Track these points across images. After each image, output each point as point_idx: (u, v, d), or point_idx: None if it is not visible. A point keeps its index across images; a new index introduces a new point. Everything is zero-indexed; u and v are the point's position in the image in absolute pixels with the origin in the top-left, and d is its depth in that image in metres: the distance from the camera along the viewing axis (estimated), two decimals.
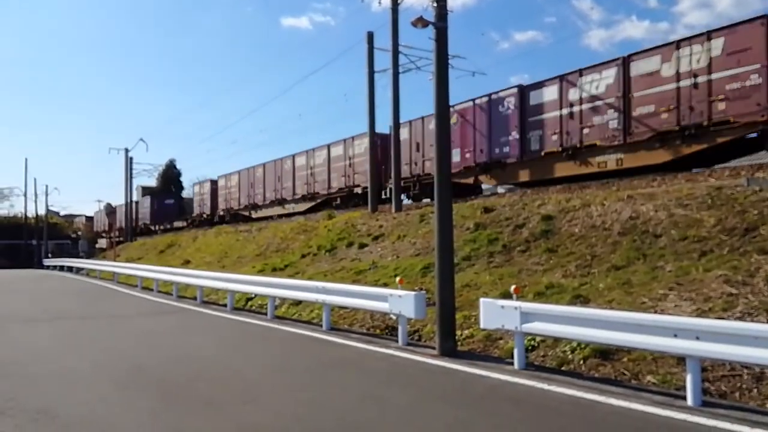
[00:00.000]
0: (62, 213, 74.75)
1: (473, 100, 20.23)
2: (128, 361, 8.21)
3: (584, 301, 8.75)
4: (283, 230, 23.87)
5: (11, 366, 7.88)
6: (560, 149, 17.25)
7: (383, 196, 22.74)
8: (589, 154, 16.72)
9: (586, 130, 16.67)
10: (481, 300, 8.30)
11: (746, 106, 13.24)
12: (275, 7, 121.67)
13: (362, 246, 17.13)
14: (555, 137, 17.37)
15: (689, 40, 14.48)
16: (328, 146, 28.31)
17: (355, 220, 19.96)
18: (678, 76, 14.56)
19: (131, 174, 46.99)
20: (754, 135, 13.80)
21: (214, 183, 40.73)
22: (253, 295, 15.09)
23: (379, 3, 18.87)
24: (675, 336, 6.00)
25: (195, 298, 16.96)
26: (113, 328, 12.07)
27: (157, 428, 5.16)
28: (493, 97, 19.36)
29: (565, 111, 17.17)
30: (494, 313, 7.87)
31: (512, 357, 7.71)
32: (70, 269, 37.44)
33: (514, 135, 18.59)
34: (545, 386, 6.53)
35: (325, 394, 6.36)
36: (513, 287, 7.99)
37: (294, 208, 30.66)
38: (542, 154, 17.81)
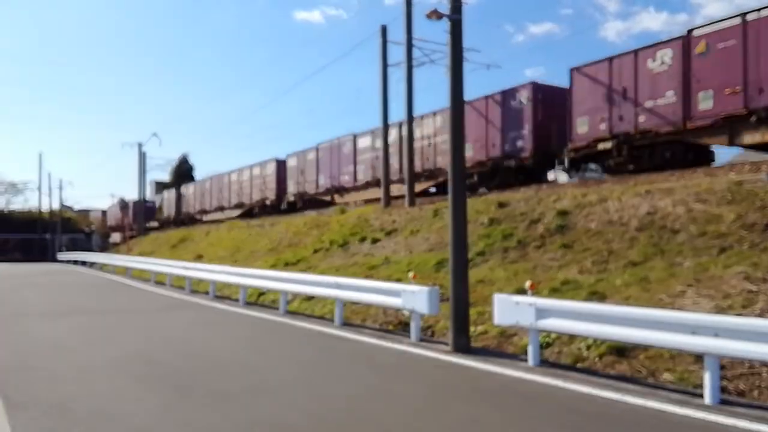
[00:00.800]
0: (76, 207, 75.54)
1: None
2: (142, 354, 8.26)
3: (600, 297, 8.65)
4: (296, 225, 23.90)
5: (27, 359, 7.96)
6: None
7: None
8: None
9: None
10: (496, 296, 8.23)
11: None
12: (287, 0, 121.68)
13: (375, 241, 17.10)
14: None
15: None
16: (251, 167, 37.38)
17: (367, 214, 19.93)
18: None
19: (145, 168, 47.37)
20: None
21: (178, 190, 49.57)
22: (265, 290, 15.12)
23: None
24: (693, 333, 5.92)
25: (208, 293, 17.03)
26: (127, 323, 12.15)
27: (170, 421, 5.17)
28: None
29: None
30: (509, 309, 7.80)
31: (526, 354, 7.64)
32: (83, 263, 37.80)
33: None
34: (560, 383, 6.46)
35: (337, 388, 6.34)
36: (528, 283, 7.91)
37: (228, 213, 39.29)
38: None
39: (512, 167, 19.24)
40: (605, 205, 12.23)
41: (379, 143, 23.96)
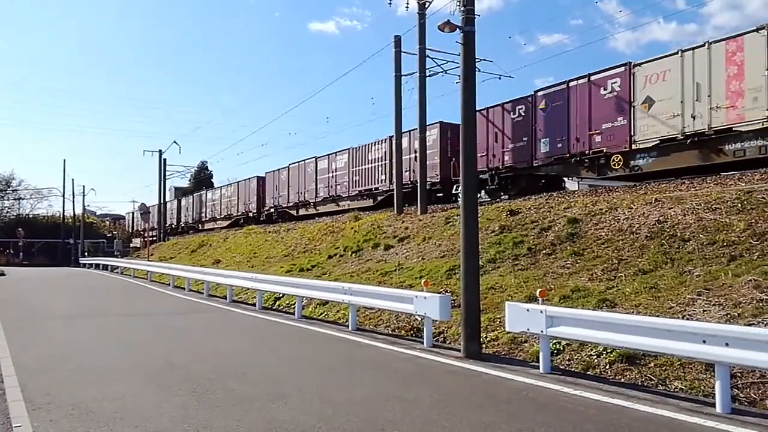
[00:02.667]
0: (98, 213, 76.57)
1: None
2: (161, 357, 8.43)
3: (610, 305, 8.68)
4: (311, 231, 24.10)
5: (48, 362, 8.14)
6: None
7: None
8: None
9: None
10: (507, 303, 8.32)
11: None
12: (302, 11, 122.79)
13: (388, 247, 17.21)
14: None
15: None
16: (237, 183, 41.32)
17: (381, 221, 20.05)
18: None
19: (165, 175, 47.94)
20: None
21: (179, 202, 53.07)
22: (281, 295, 15.30)
23: (407, 7, 18.94)
24: (704, 342, 5.93)
25: (225, 297, 17.25)
26: (147, 325, 12.36)
27: (188, 423, 5.30)
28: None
29: None
30: (520, 316, 7.88)
31: (537, 360, 7.71)
32: (105, 267, 38.32)
33: None
34: (570, 390, 6.52)
35: (351, 393, 6.45)
36: (539, 291, 7.99)
37: (219, 224, 43.34)
38: None
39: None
40: (615, 213, 12.25)
41: (334, 165, 30.00)
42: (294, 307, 13.56)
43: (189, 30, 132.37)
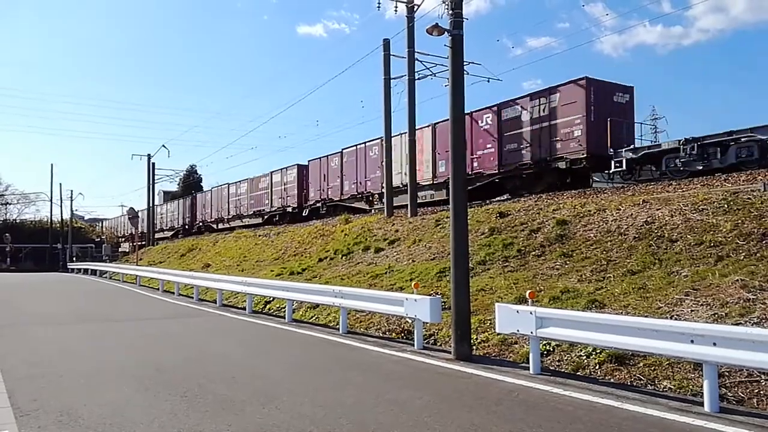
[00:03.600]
0: (86, 217, 76.05)
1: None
2: (150, 362, 8.38)
3: (600, 305, 8.74)
4: (301, 235, 24.06)
5: (36, 367, 8.06)
6: None
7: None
8: None
9: None
10: (497, 305, 8.35)
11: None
12: (290, 15, 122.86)
13: (378, 250, 17.22)
14: None
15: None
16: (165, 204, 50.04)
17: (371, 224, 20.07)
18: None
19: (153, 179, 47.65)
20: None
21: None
22: (271, 299, 15.25)
23: (395, 11, 18.99)
24: (691, 342, 5.99)
25: (215, 301, 17.18)
26: (135, 330, 12.28)
27: (178, 428, 5.27)
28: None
29: None
30: (509, 317, 7.91)
31: (527, 361, 7.74)
32: (94, 272, 38.00)
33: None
34: (560, 391, 6.55)
35: (342, 396, 6.45)
36: (528, 292, 8.03)
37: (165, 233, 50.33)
38: None
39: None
40: (603, 214, 12.35)
41: (238, 190, 38.95)
42: (284, 311, 13.53)
43: (177, 33, 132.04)
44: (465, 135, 9.12)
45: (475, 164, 20.93)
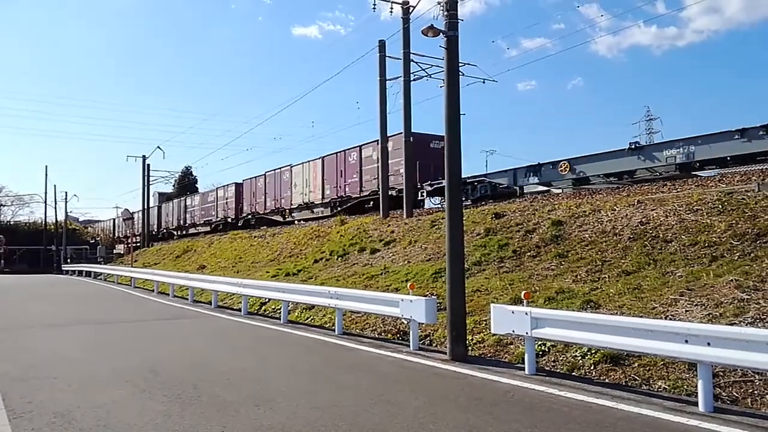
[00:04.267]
0: (81, 219, 75.74)
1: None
2: (144, 364, 8.34)
3: (595, 306, 8.76)
4: (296, 236, 24.03)
5: (30, 370, 8.02)
6: None
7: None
8: None
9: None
10: (492, 305, 8.36)
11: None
12: (285, 16, 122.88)
13: (374, 251, 17.22)
14: None
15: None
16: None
17: (366, 225, 20.06)
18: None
19: (148, 181, 47.52)
20: None
21: (160, 209, 54.06)
22: (266, 300, 15.23)
23: (391, 12, 19.01)
24: (686, 342, 6.01)
25: (210, 303, 17.14)
26: (130, 332, 12.24)
27: (172, 430, 5.25)
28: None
29: None
30: (505, 318, 7.92)
31: (523, 362, 7.76)
32: (88, 274, 37.85)
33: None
34: (556, 391, 6.56)
35: (338, 397, 6.44)
36: (523, 293, 8.04)
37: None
38: None
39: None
40: (598, 215, 12.39)
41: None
42: (280, 312, 13.50)
43: (172, 35, 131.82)
44: (460, 138, 9.10)
45: (347, 189, 27.63)
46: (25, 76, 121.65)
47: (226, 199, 40.27)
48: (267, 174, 34.82)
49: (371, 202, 25.60)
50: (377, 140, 23.51)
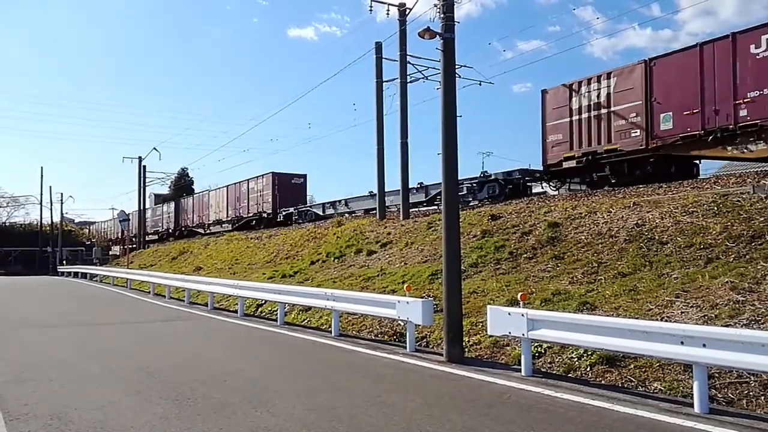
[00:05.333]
0: (77, 221, 75.51)
1: None
2: (141, 366, 8.33)
3: (591, 308, 8.78)
4: (293, 237, 24.01)
5: (26, 371, 8.01)
6: None
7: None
8: None
9: None
10: (489, 307, 8.38)
11: None
12: (281, 18, 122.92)
13: (371, 253, 17.22)
14: None
15: None
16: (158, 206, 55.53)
17: (363, 227, 20.06)
18: None
19: (145, 182, 47.42)
20: None
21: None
22: (263, 302, 15.22)
23: (387, 14, 19.04)
24: (682, 343, 6.03)
25: (206, 305, 17.12)
26: (126, 334, 12.22)
27: None
28: None
29: None
30: (501, 319, 7.93)
31: (519, 363, 7.77)
32: (84, 276, 37.76)
33: None
34: (552, 393, 6.58)
35: (335, 399, 6.44)
36: (520, 294, 8.06)
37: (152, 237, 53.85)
38: None
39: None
40: (594, 217, 12.42)
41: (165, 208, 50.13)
42: (277, 314, 13.50)
43: (167, 36, 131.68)
44: (456, 140, 9.12)
45: (240, 211, 38.47)
46: (20, 76, 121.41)
47: (168, 213, 49.93)
48: (194, 195, 46.92)
49: (253, 221, 36.66)
50: (260, 175, 36.20)
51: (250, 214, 36.97)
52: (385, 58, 21.17)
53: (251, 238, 28.67)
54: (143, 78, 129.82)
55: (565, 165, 18.48)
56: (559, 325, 7.31)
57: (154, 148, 46.95)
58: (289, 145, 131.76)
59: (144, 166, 46.68)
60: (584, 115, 17.81)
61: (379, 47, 21.14)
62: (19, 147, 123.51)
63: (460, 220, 9.40)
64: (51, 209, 58.80)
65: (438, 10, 8.92)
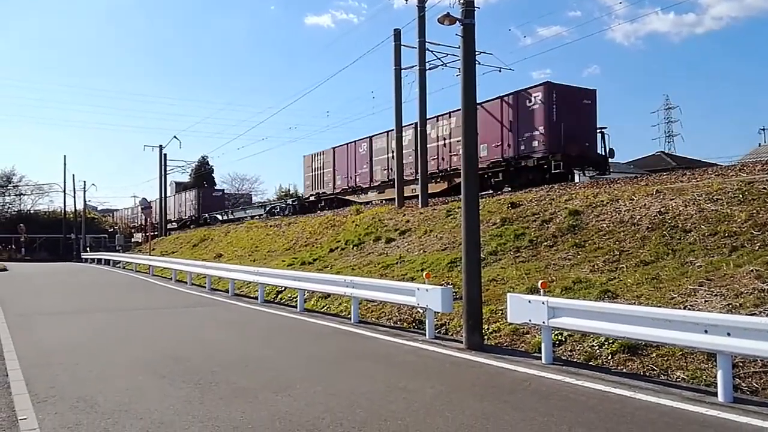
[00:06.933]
0: (99, 208, 76.66)
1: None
2: (164, 351, 8.46)
3: (612, 296, 8.71)
4: (312, 225, 24.12)
5: (53, 356, 8.18)
6: None
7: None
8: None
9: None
10: (509, 294, 8.35)
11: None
12: (297, 5, 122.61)
13: (389, 240, 17.23)
14: None
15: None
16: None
17: (382, 215, 20.07)
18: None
19: (165, 170, 47.92)
20: None
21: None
22: (282, 288, 15.34)
23: (406, 0, 18.87)
24: (705, 332, 5.96)
25: (227, 291, 17.31)
26: (149, 320, 12.41)
27: (192, 415, 5.33)
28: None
29: None
30: (521, 307, 7.91)
31: (539, 351, 7.75)
32: (107, 262, 38.33)
33: None
34: (573, 381, 6.55)
35: (354, 385, 6.48)
36: (540, 282, 8.01)
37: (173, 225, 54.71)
38: None
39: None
40: (616, 204, 12.27)
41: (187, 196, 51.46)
42: (296, 301, 13.60)
43: (185, 25, 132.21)
44: (476, 128, 9.05)
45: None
46: (45, 66, 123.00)
47: (190, 200, 50.71)
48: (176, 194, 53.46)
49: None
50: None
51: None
52: (404, 45, 21.03)
53: (270, 226, 28.83)
54: (162, 67, 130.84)
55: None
56: (580, 313, 7.26)
57: (175, 137, 47.34)
58: (308, 133, 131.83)
59: (165, 155, 47.19)
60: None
61: (397, 34, 21.00)
62: (42, 136, 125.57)
63: (480, 207, 9.35)
64: (74, 197, 59.79)
65: None
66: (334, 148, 30.82)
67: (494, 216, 14.72)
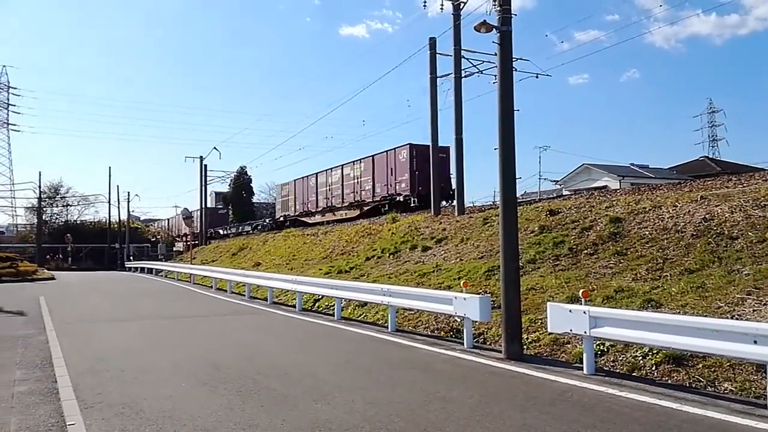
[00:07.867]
0: (142, 218, 78.72)
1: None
2: (206, 358, 8.61)
3: (656, 305, 8.50)
4: (348, 233, 24.25)
5: (99, 363, 8.40)
6: None
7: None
8: None
9: None
10: (549, 304, 8.24)
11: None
12: (332, 16, 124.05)
13: (425, 249, 17.20)
14: None
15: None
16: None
17: (418, 223, 20.06)
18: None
19: (206, 181, 48.96)
20: None
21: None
22: (320, 297, 15.45)
23: (441, 9, 18.91)
24: (755, 342, 5.78)
25: (266, 299, 17.53)
26: (191, 327, 12.66)
27: (234, 422, 5.42)
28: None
29: None
30: (562, 317, 7.79)
31: (580, 362, 7.61)
32: (150, 271, 39.28)
33: None
34: (616, 392, 6.41)
35: (393, 394, 6.48)
36: (582, 291, 7.89)
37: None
38: None
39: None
40: (659, 211, 11.98)
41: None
42: (333, 309, 13.68)
43: (223, 38, 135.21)
44: (513, 135, 8.98)
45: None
46: (95, 82, 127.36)
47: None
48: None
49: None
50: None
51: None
52: (439, 53, 21.04)
53: (307, 235, 29.12)
54: (201, 79, 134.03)
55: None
56: (623, 322, 7.11)
57: (215, 148, 48.44)
58: (345, 142, 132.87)
59: (205, 165, 48.27)
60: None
61: (433, 43, 21.03)
62: (87, 148, 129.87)
63: (518, 215, 9.26)
64: (118, 207, 61.68)
65: (494, 2, 8.81)
66: (294, 180, 39.39)
67: (532, 224, 14.55)
